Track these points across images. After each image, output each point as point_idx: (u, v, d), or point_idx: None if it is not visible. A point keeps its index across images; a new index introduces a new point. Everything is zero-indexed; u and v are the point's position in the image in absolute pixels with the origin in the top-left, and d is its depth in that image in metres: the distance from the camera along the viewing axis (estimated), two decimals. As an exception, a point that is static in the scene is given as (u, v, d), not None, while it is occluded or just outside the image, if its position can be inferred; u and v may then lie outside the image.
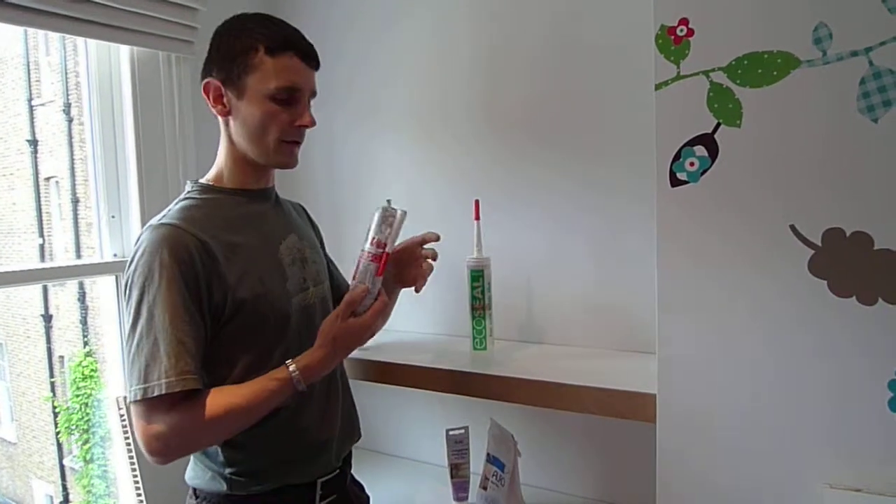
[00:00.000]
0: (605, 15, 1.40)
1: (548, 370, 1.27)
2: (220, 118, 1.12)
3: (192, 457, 1.12)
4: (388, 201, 1.15)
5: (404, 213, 1.14)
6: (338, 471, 1.20)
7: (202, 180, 1.15)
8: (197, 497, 1.12)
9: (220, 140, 1.14)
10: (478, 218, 1.41)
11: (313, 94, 1.14)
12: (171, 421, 0.97)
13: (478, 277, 1.40)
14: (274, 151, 1.10)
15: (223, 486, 1.08)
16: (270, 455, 1.10)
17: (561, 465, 1.57)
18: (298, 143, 1.14)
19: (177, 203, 1.11)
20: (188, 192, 1.13)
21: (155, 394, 0.95)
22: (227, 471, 1.08)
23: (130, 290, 1.01)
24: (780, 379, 0.96)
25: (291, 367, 1.03)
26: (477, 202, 1.42)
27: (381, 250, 1.11)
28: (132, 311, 1.00)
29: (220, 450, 1.08)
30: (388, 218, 1.12)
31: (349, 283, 1.13)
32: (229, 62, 1.07)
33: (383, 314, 1.14)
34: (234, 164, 1.13)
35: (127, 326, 1.01)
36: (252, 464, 1.09)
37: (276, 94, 1.06)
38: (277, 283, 1.11)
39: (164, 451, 0.98)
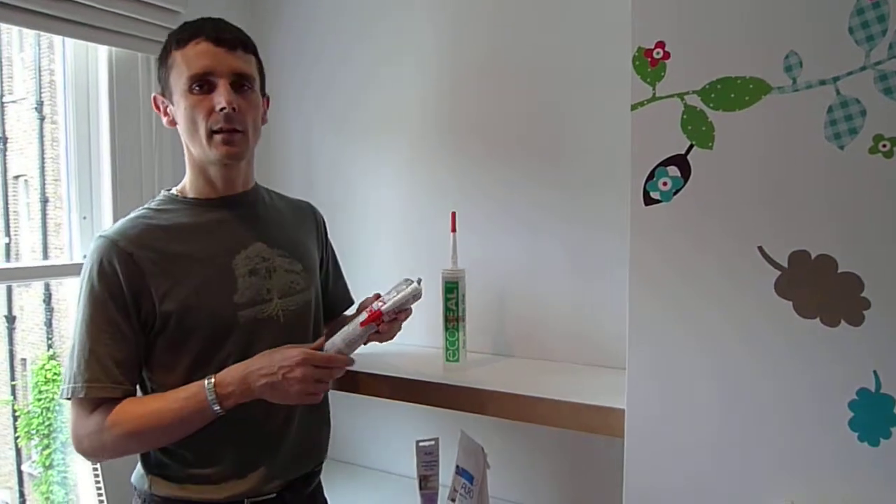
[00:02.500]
0: (586, 33, 1.42)
1: (519, 383, 1.28)
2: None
3: (138, 457, 1.13)
4: (419, 280, 1.16)
5: (418, 289, 1.14)
6: (275, 495, 1.12)
7: (172, 190, 1.16)
8: (136, 491, 1.13)
9: None
10: (454, 230, 1.42)
11: (242, 77, 1.07)
12: (90, 424, 1.00)
13: (452, 289, 1.40)
14: (208, 145, 1.06)
15: (146, 485, 1.09)
16: (195, 462, 1.08)
17: (530, 478, 1.57)
18: (234, 132, 1.06)
19: (133, 213, 1.12)
20: (150, 201, 1.15)
21: (63, 396, 1.00)
22: (155, 470, 1.09)
23: None
24: (746, 397, 0.97)
25: (209, 378, 1.02)
26: (454, 214, 1.42)
27: (378, 305, 1.13)
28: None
29: (154, 451, 1.09)
30: (401, 286, 1.15)
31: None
32: (159, 72, 1.10)
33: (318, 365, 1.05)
34: (192, 172, 1.14)
35: None
36: (176, 468, 1.08)
37: (191, 82, 1.04)
38: (218, 296, 1.08)
39: (87, 451, 1.03)
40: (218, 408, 1.00)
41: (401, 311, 1.16)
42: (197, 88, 1.04)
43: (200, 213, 1.12)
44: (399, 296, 1.13)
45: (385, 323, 1.13)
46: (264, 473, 1.11)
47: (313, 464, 1.22)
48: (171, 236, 1.07)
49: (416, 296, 1.14)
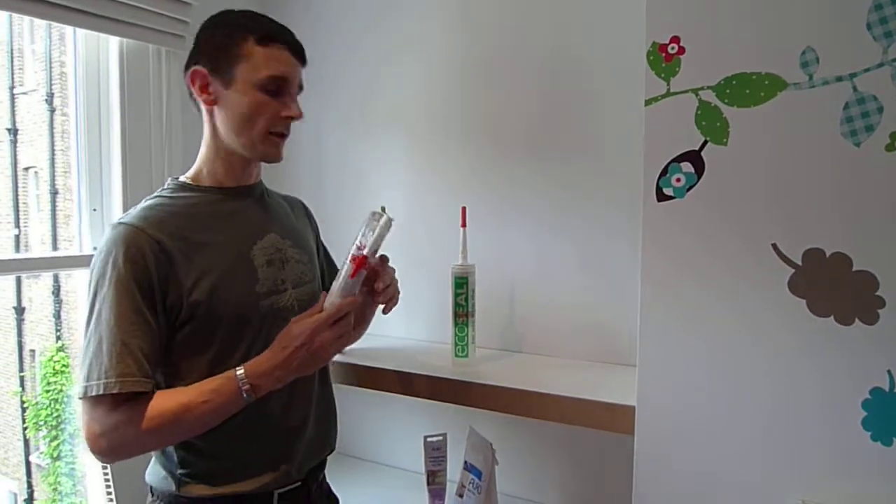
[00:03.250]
0: (598, 28, 1.41)
1: (528, 379, 1.28)
2: (204, 109, 1.10)
3: (152, 454, 1.11)
4: (383, 208, 1.12)
5: (390, 219, 1.11)
6: (300, 483, 1.14)
7: (181, 178, 1.14)
8: (153, 495, 1.11)
9: (203, 135, 1.13)
10: (464, 225, 1.41)
11: (300, 88, 1.14)
12: (112, 421, 0.96)
13: (462, 284, 1.40)
14: (260, 143, 1.09)
15: (172, 486, 1.06)
16: (222, 460, 1.06)
17: (538, 474, 1.57)
18: (285, 136, 1.12)
19: (146, 200, 1.09)
20: (161, 189, 1.12)
21: (93, 393, 0.95)
22: (179, 471, 1.06)
23: (89, 288, 1.01)
24: (758, 395, 0.97)
25: (239, 369, 1.01)
26: (464, 209, 1.42)
27: (360, 252, 1.09)
28: (88, 309, 1.00)
29: (174, 449, 1.06)
30: (372, 222, 1.11)
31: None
32: (217, 52, 1.07)
33: (344, 324, 1.06)
34: (215, 158, 1.12)
35: (84, 324, 1.01)
36: (202, 466, 1.06)
37: (266, 83, 1.06)
38: (243, 285, 1.08)
39: (105, 450, 0.98)
40: (249, 396, 1.00)
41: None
42: (269, 89, 1.07)
43: (217, 202, 1.11)
44: (375, 233, 1.10)
45: (371, 266, 1.11)
46: (290, 462, 1.12)
47: (327, 451, 1.24)
48: (192, 224, 1.06)
49: (389, 226, 1.11)
